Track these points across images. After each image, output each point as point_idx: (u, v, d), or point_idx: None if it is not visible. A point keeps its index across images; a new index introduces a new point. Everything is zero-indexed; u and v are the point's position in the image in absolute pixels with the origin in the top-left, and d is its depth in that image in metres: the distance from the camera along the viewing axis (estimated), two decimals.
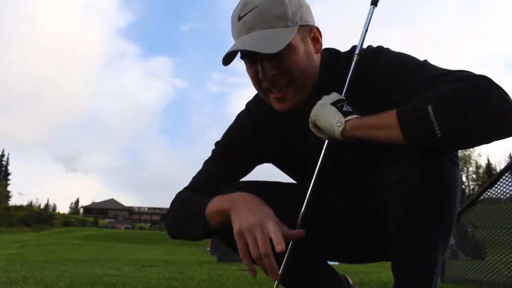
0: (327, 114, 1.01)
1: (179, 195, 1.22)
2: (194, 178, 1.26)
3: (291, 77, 1.05)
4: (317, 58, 1.11)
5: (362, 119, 0.98)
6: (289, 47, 1.01)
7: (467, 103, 0.86)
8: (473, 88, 0.87)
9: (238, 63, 1.07)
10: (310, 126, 1.06)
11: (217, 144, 1.29)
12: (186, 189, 1.24)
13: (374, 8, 1.13)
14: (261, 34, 1.01)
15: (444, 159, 0.97)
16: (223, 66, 1.04)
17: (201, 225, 1.06)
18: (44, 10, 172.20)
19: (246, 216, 0.95)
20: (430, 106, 0.88)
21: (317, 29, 1.11)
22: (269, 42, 0.99)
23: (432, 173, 0.95)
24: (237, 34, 1.05)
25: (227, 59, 1.03)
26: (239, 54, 1.04)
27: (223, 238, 1.17)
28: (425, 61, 1.04)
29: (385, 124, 0.94)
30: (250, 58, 1.05)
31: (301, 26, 1.05)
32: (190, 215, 1.11)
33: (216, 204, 1.05)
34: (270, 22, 1.01)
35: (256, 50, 0.98)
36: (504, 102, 0.87)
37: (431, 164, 0.95)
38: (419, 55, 1.06)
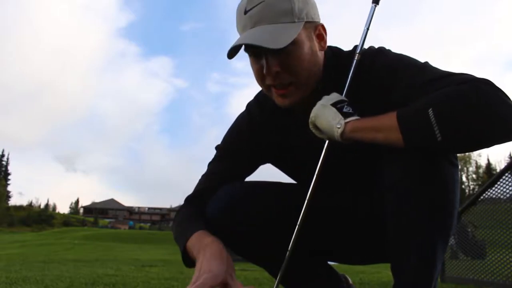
0: (327, 115, 1.01)
1: (181, 211, 1.22)
2: (199, 181, 1.26)
3: (294, 74, 1.04)
4: (321, 55, 1.11)
5: (361, 121, 0.98)
6: (294, 43, 1.00)
7: (467, 107, 0.86)
8: (474, 92, 0.87)
9: (239, 62, 1.09)
10: (310, 126, 1.06)
11: (217, 147, 1.29)
12: (191, 197, 1.24)
13: (376, 6, 1.12)
14: (267, 28, 1.00)
15: (443, 159, 0.97)
16: (225, 62, 1.07)
17: (183, 254, 1.07)
18: (44, 10, 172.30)
19: (198, 268, 0.97)
20: (430, 109, 0.87)
21: (323, 26, 1.10)
22: (274, 37, 0.98)
23: (431, 174, 0.95)
24: (242, 28, 1.04)
25: (232, 52, 1.02)
26: (243, 48, 1.03)
27: (223, 238, 1.17)
28: (426, 63, 1.03)
29: (385, 126, 0.94)
30: (255, 52, 1.04)
31: (307, 22, 1.04)
32: (179, 239, 1.11)
33: (193, 243, 1.04)
34: (276, 17, 1.00)
35: (261, 44, 0.97)
36: (505, 105, 0.86)
37: (429, 164, 0.95)
38: (418, 54, 1.05)
